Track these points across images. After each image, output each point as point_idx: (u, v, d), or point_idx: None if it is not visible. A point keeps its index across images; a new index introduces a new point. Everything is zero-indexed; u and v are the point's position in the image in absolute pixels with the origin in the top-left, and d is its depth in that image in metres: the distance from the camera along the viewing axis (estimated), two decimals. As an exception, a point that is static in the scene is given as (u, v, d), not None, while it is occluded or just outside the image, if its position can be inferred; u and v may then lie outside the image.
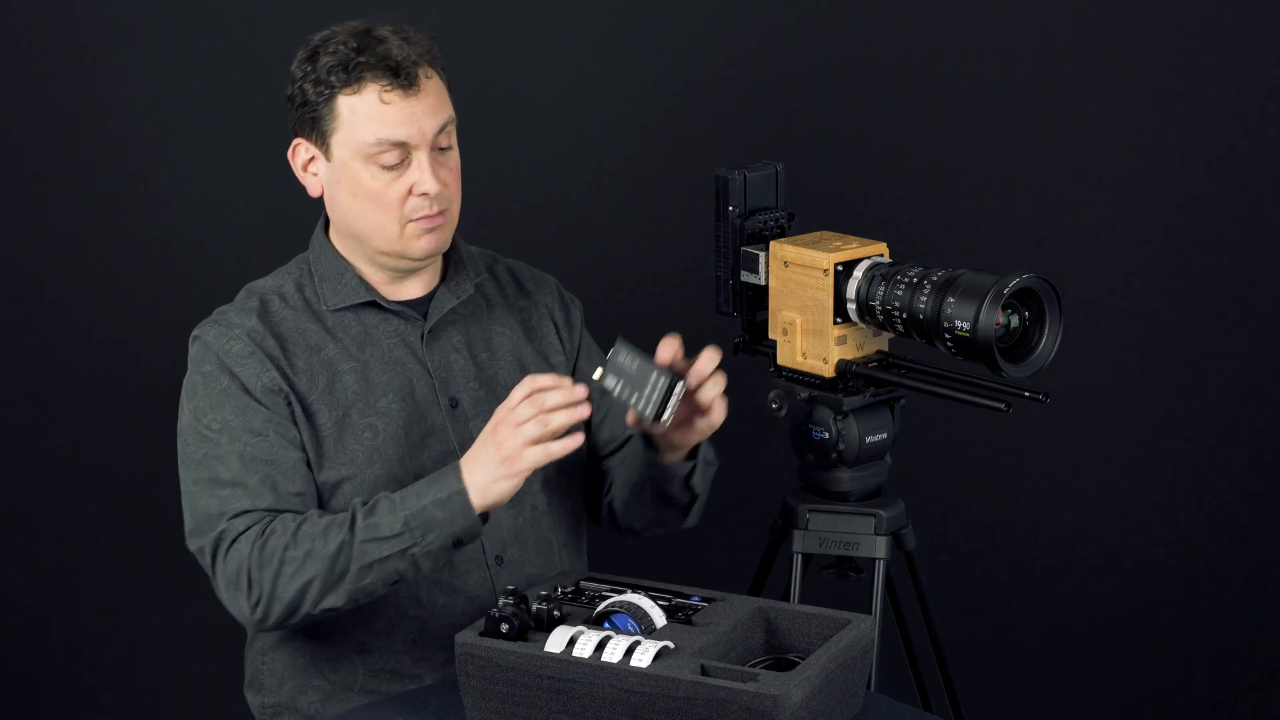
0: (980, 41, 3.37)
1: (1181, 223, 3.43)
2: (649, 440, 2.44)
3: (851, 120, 3.40)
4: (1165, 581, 3.53)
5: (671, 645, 2.12)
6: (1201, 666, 3.55)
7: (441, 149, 2.43)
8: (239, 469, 2.37)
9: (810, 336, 2.58)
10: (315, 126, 2.41)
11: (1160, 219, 3.43)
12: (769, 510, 2.74)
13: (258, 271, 2.57)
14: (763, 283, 2.61)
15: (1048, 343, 2.44)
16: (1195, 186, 3.42)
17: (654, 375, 2.29)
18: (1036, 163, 3.40)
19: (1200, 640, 3.55)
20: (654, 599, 2.25)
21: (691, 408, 2.36)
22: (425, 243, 2.43)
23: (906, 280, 2.48)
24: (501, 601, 2.17)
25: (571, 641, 2.12)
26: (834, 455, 2.61)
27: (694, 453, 2.46)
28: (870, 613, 2.57)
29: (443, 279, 2.53)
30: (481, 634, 2.16)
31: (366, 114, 2.38)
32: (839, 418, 2.59)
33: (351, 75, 2.37)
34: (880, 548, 2.63)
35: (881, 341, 2.60)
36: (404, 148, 2.39)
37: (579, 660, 2.10)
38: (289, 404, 2.41)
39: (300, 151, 2.45)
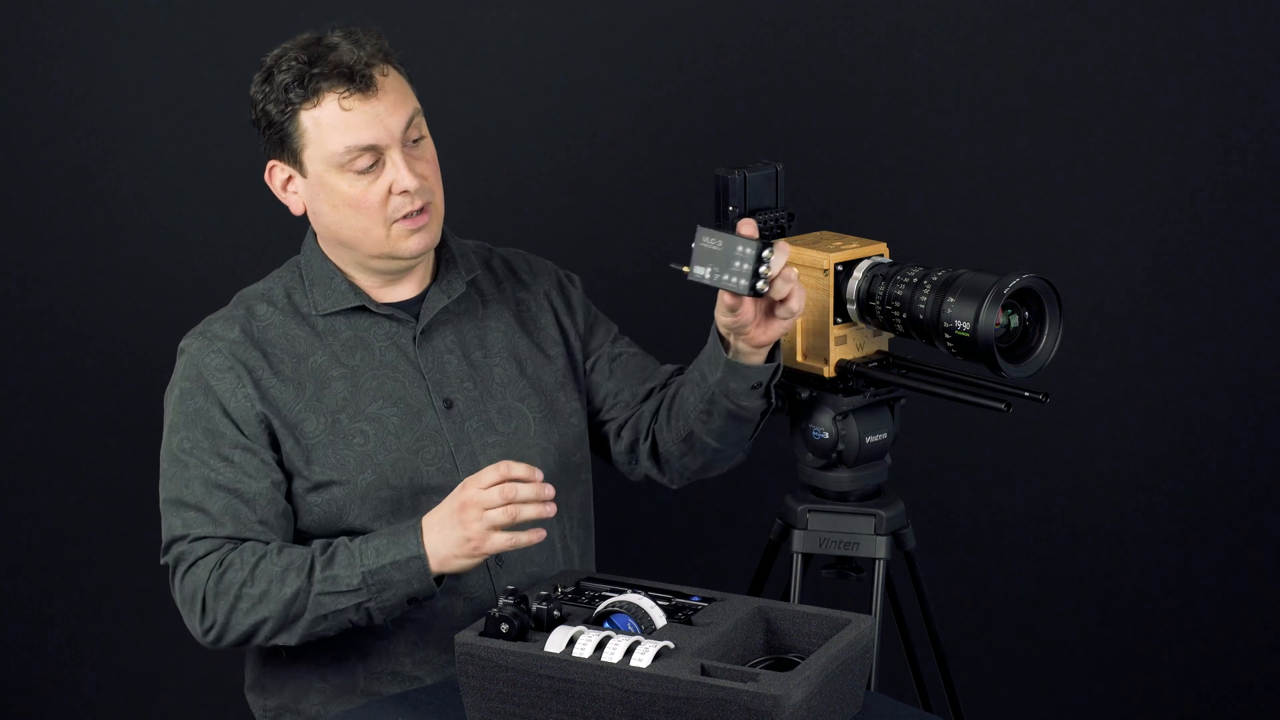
0: (980, 41, 3.37)
1: (1182, 223, 3.43)
2: (725, 348, 2.39)
3: (851, 120, 3.40)
4: (1166, 581, 3.53)
5: (671, 645, 2.12)
6: (1202, 666, 3.55)
7: (414, 141, 2.42)
8: (202, 494, 2.39)
9: (810, 336, 2.58)
10: (285, 145, 2.41)
11: (1160, 219, 3.42)
12: (769, 510, 2.73)
13: (256, 271, 2.57)
14: (763, 283, 2.61)
15: (1048, 343, 2.44)
16: (1195, 186, 3.41)
17: (739, 247, 2.25)
18: (1036, 163, 3.40)
19: (1200, 640, 3.54)
20: (654, 599, 2.25)
21: (768, 303, 2.32)
22: (414, 242, 2.43)
23: (906, 280, 2.47)
24: (501, 601, 2.17)
25: (571, 641, 2.12)
26: (834, 455, 2.61)
27: (772, 355, 2.40)
28: (870, 613, 2.56)
29: (434, 278, 2.53)
30: (481, 634, 2.16)
31: (330, 124, 2.37)
32: (839, 418, 2.59)
33: (308, 89, 2.37)
34: (880, 548, 2.63)
35: (881, 341, 2.60)
36: (375, 150, 2.38)
37: (579, 660, 2.10)
38: (264, 426, 2.41)
39: (276, 173, 2.45)
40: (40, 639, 3.45)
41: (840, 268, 2.53)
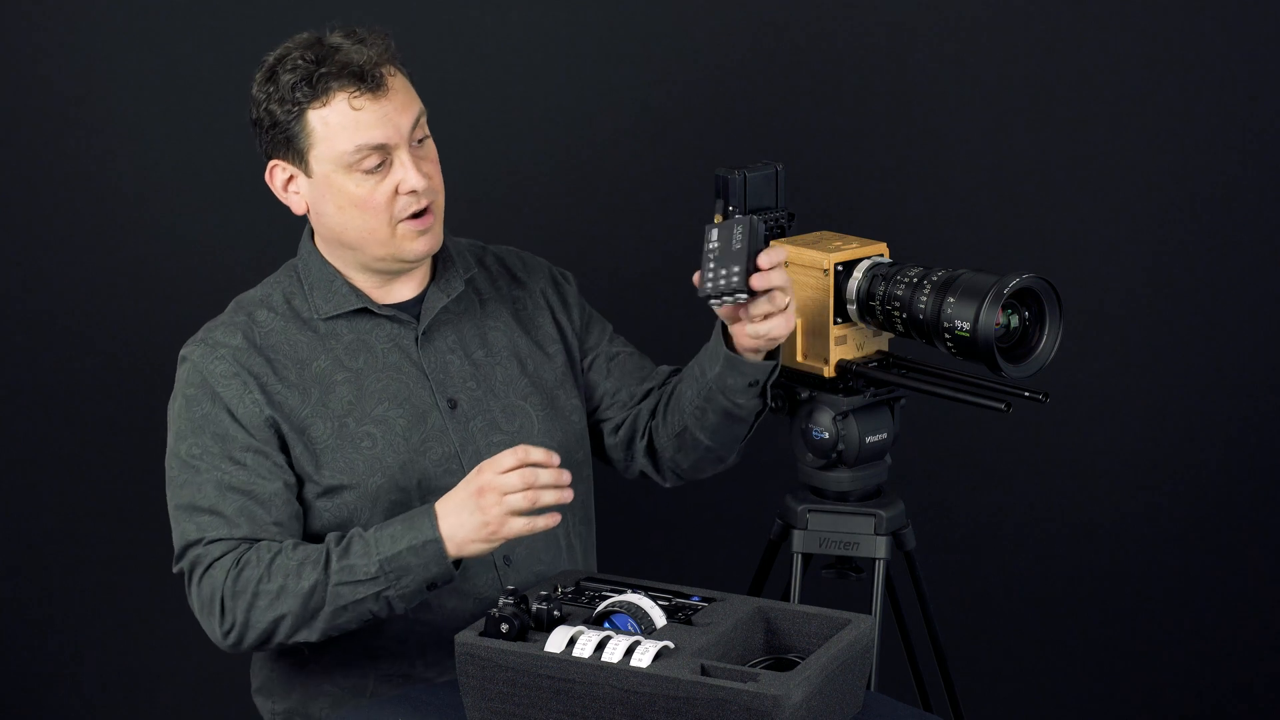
0: (980, 41, 3.37)
1: (1182, 222, 3.43)
2: (728, 345, 2.41)
3: (851, 120, 3.40)
4: (1166, 581, 3.53)
5: (671, 645, 2.12)
6: (1201, 666, 3.55)
7: (419, 141, 2.42)
8: (216, 497, 2.37)
9: (810, 336, 2.58)
10: (290, 145, 2.40)
11: (1161, 219, 3.42)
12: (769, 510, 2.73)
13: (256, 271, 2.56)
14: (763, 283, 2.61)
15: (1048, 343, 2.44)
16: (1196, 186, 3.41)
17: (744, 263, 2.29)
18: (1036, 163, 3.40)
19: (1200, 640, 3.54)
20: (654, 599, 2.25)
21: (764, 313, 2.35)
22: (420, 244, 2.43)
23: (906, 280, 2.47)
24: (501, 601, 2.17)
25: (571, 641, 2.12)
26: (834, 455, 2.61)
27: (772, 355, 2.42)
28: (870, 613, 2.56)
29: (432, 278, 2.53)
30: (481, 634, 2.16)
31: (340, 124, 2.37)
32: (839, 418, 2.59)
33: (317, 88, 2.36)
34: (880, 548, 2.63)
35: (881, 341, 2.60)
36: (384, 149, 2.38)
37: (579, 660, 2.10)
38: (274, 429, 2.41)
39: (278, 173, 2.44)
40: (40, 639, 3.44)
41: (840, 268, 2.53)
